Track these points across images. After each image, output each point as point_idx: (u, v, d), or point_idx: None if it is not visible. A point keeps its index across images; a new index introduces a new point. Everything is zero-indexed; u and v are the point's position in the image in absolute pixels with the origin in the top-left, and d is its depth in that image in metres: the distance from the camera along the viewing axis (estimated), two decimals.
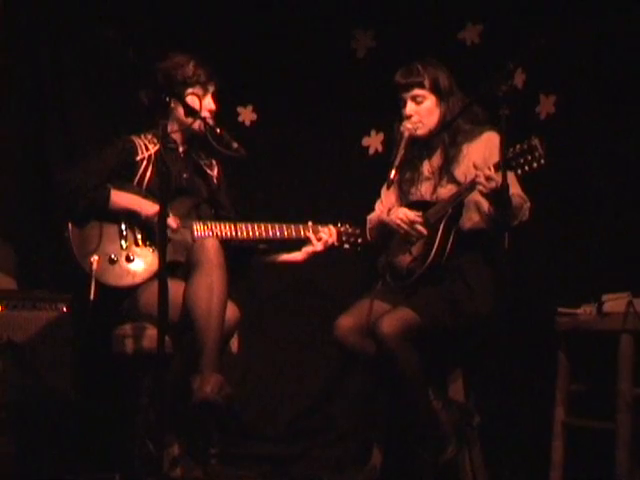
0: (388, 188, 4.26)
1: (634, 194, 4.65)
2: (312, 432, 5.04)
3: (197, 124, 4.20)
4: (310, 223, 4.35)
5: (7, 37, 4.92)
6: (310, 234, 4.32)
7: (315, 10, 5.14)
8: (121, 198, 4.19)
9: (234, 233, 4.24)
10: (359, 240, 4.39)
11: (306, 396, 5.13)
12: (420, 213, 4.11)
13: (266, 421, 5.09)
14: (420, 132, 4.17)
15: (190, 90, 4.22)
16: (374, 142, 5.20)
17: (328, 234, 4.35)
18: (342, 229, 4.38)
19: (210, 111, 4.26)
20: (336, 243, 4.36)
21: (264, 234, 4.27)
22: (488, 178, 3.81)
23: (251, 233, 4.26)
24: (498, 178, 3.78)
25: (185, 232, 4.21)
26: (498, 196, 3.84)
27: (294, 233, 4.31)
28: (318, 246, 4.34)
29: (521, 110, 4.33)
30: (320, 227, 4.35)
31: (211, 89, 4.31)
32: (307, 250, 4.36)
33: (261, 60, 5.19)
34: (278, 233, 4.29)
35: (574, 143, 4.80)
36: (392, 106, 4.28)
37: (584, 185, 4.80)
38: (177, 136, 4.31)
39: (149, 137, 4.33)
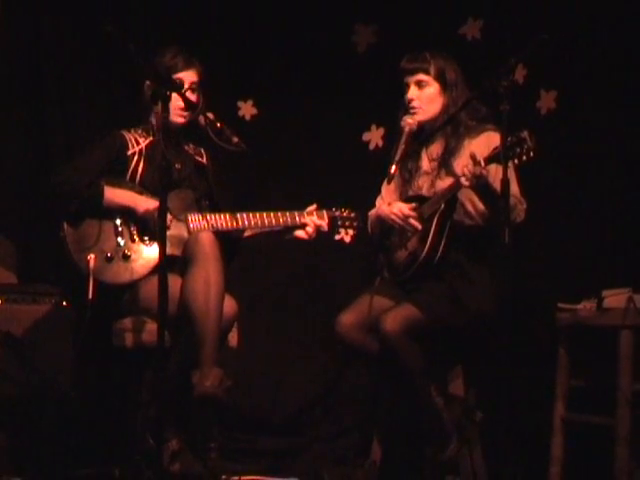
0: (389, 183, 4.26)
1: (635, 190, 4.65)
2: (312, 427, 5.04)
3: (177, 115, 4.18)
4: (307, 209, 4.31)
5: (7, 34, 4.92)
6: (307, 220, 4.29)
7: (316, 4, 5.14)
8: (115, 195, 4.19)
9: (230, 223, 4.22)
10: (355, 224, 4.36)
11: (306, 391, 5.13)
12: (414, 206, 4.11)
13: (266, 415, 5.09)
14: (419, 118, 4.14)
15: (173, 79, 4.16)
16: (374, 137, 5.19)
17: (319, 218, 4.30)
18: (337, 214, 4.35)
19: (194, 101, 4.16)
20: (326, 228, 4.31)
21: (260, 223, 4.26)
22: (473, 174, 3.80)
23: (247, 223, 4.24)
24: (484, 172, 3.78)
25: (181, 225, 4.20)
26: (487, 191, 3.85)
27: (289, 220, 4.28)
28: (309, 230, 4.29)
29: (522, 106, 4.32)
30: (316, 213, 4.33)
31: (191, 76, 4.25)
32: (298, 234, 4.33)
33: (261, 54, 5.18)
34: (274, 221, 4.27)
35: (574, 139, 4.80)
36: (393, 101, 4.27)
37: (584, 180, 4.80)
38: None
39: (139, 131, 4.33)
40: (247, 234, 4.35)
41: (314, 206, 4.31)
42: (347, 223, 4.34)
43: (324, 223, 4.29)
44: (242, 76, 5.14)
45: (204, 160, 4.46)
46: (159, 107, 3.75)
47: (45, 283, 4.46)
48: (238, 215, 4.23)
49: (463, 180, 3.85)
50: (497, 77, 3.53)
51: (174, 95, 3.80)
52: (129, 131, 4.33)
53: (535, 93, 4.90)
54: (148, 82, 4.25)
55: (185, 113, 4.22)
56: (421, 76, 4.15)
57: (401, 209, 4.12)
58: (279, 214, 4.27)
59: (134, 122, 4.37)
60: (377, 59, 5.11)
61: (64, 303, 4.30)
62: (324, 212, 4.32)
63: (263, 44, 5.18)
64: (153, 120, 4.30)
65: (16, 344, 4.16)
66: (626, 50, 4.68)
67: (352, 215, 4.34)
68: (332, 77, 5.18)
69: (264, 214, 4.25)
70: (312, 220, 4.28)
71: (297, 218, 4.28)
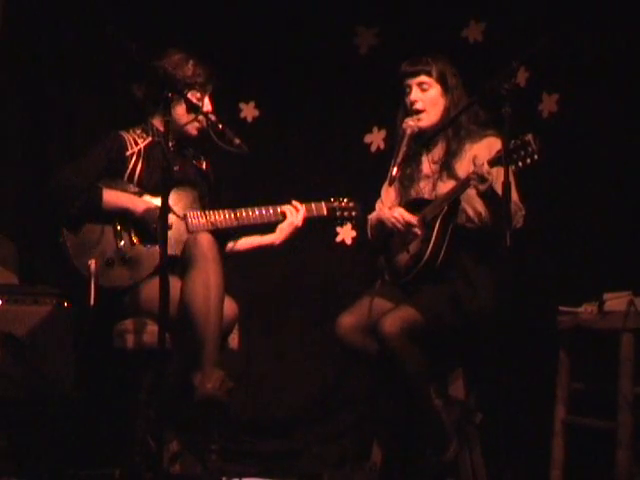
0: (390, 185, 4.26)
1: (636, 193, 4.65)
2: (312, 428, 5.04)
3: (192, 126, 4.21)
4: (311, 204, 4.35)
5: (8, 34, 4.92)
6: (301, 210, 4.31)
7: (318, 6, 5.14)
8: (114, 197, 4.17)
9: (229, 220, 4.22)
10: (353, 213, 4.37)
11: (306, 393, 5.13)
12: (416, 217, 4.10)
13: (266, 417, 5.09)
14: (423, 124, 4.15)
15: (188, 91, 4.20)
16: (376, 139, 5.20)
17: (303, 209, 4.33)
18: (335, 204, 4.36)
19: (207, 112, 4.22)
20: (326, 213, 4.33)
21: (259, 219, 4.26)
22: (481, 177, 3.80)
23: (245, 219, 4.25)
24: (491, 176, 3.78)
25: (180, 226, 4.20)
26: (491, 196, 3.84)
27: (285, 211, 4.32)
28: (295, 220, 4.30)
29: (523, 108, 4.32)
30: (314, 204, 4.34)
31: (209, 90, 4.30)
32: (282, 227, 4.33)
33: (263, 56, 5.19)
34: (273, 216, 4.28)
35: (576, 142, 4.80)
36: (394, 103, 4.27)
37: (586, 183, 4.80)
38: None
39: (138, 132, 4.32)
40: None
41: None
42: (345, 213, 4.36)
43: (299, 206, 4.30)
44: (244, 78, 5.14)
45: (203, 165, 4.46)
46: (169, 113, 3.75)
47: (46, 284, 4.46)
48: (237, 211, 4.24)
49: (472, 182, 3.84)
50: (499, 80, 3.53)
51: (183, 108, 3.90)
52: (127, 132, 4.32)
53: (537, 96, 4.90)
54: (136, 84, 4.26)
55: (197, 124, 4.22)
56: (423, 78, 4.15)
57: (402, 214, 4.12)
58: (277, 207, 4.29)
59: (133, 122, 4.37)
60: (379, 61, 5.11)
61: (65, 304, 4.30)
62: (322, 204, 4.34)
63: (265, 46, 5.18)
64: (153, 121, 4.29)
65: (17, 345, 4.16)
66: (628, 53, 4.68)
67: (350, 204, 4.36)
68: (334, 79, 5.19)
69: (262, 208, 4.27)
70: (294, 206, 4.30)
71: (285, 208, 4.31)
